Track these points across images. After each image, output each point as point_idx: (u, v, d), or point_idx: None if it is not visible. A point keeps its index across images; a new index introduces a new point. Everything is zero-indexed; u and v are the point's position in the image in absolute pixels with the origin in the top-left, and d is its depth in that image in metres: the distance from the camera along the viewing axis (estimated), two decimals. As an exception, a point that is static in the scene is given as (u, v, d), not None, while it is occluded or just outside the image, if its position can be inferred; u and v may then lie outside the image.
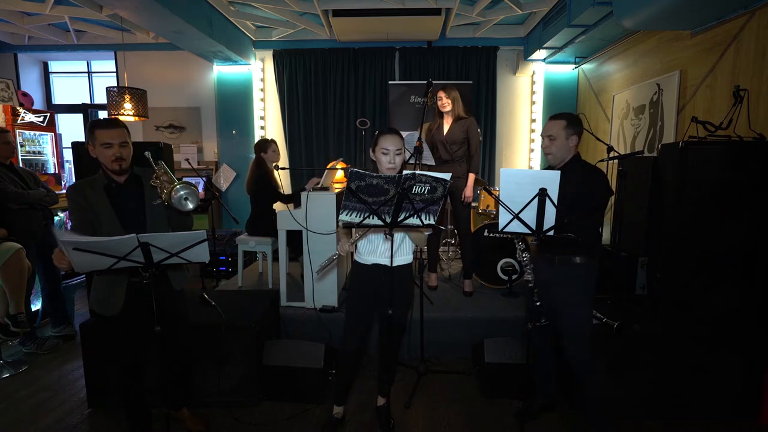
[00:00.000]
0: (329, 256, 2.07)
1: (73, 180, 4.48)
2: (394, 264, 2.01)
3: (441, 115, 3.30)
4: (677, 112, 3.42)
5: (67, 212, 1.84)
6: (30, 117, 4.83)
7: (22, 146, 4.71)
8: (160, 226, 1.94)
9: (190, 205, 1.79)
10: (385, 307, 1.95)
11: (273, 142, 3.71)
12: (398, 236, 2.04)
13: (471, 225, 3.60)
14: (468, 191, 3.24)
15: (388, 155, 1.91)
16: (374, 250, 2.04)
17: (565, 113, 2.03)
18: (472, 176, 3.25)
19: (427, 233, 2.02)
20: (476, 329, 3.01)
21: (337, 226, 2.19)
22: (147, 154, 1.93)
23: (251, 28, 5.17)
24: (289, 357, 2.54)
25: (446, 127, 3.26)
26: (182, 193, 1.76)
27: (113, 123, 1.87)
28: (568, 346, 2.04)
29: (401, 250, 2.06)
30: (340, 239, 2.01)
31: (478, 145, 3.27)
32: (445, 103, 3.21)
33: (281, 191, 3.68)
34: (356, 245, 2.05)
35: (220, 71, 5.47)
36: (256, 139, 5.48)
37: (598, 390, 2.02)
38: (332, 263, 2.07)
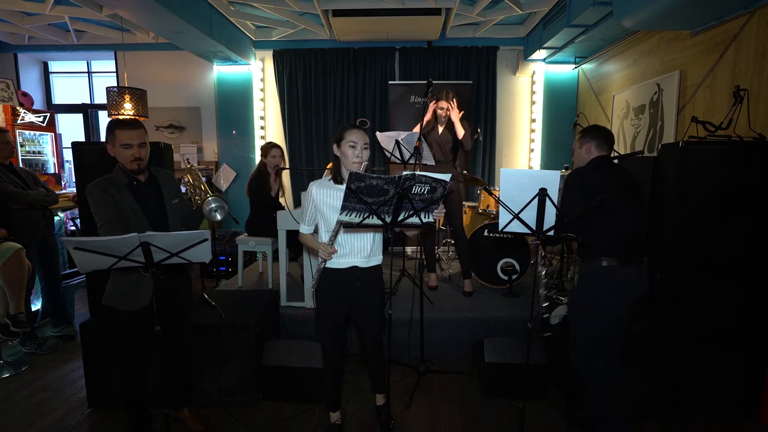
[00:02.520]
0: (317, 269, 1.98)
1: (74, 180, 4.48)
2: (368, 265, 1.99)
3: (435, 117, 3.34)
4: (677, 112, 3.43)
5: (92, 210, 1.85)
6: (30, 117, 4.83)
7: (22, 146, 4.71)
8: (177, 224, 1.99)
9: (218, 217, 1.91)
10: (363, 311, 1.96)
11: (275, 147, 3.70)
12: (371, 234, 1.99)
13: (464, 224, 3.59)
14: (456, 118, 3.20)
15: (356, 148, 1.84)
16: (350, 251, 1.95)
17: (587, 127, 2.15)
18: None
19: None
20: (476, 329, 3.01)
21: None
22: (187, 159, 1.99)
23: (251, 28, 5.17)
24: (289, 357, 2.54)
25: (440, 128, 3.30)
26: (213, 205, 1.89)
27: (133, 124, 1.90)
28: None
29: (374, 251, 2.01)
30: (317, 248, 1.92)
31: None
32: (445, 113, 3.25)
33: (274, 195, 3.70)
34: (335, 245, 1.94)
35: (220, 71, 5.47)
36: (256, 139, 5.52)
37: (597, 392, 2.00)
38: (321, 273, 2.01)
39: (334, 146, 1.92)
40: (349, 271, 1.97)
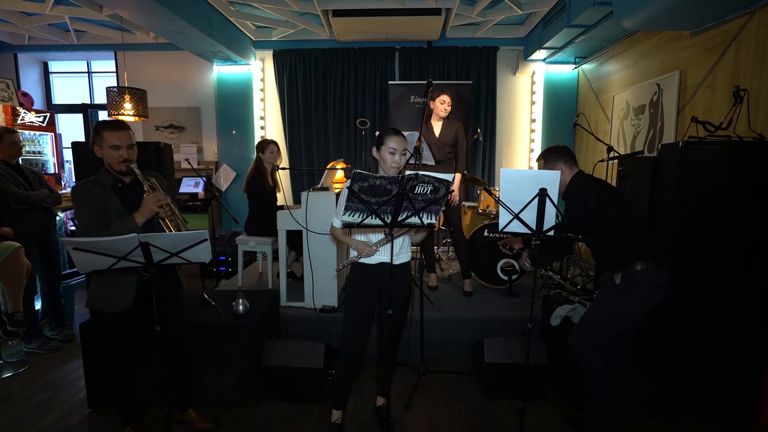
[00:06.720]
0: (352, 257, 2.03)
1: (73, 180, 4.48)
2: (399, 261, 2.05)
3: (429, 117, 3.33)
4: (677, 112, 3.43)
5: (74, 211, 1.85)
6: (30, 117, 4.83)
7: (22, 146, 4.70)
8: (160, 225, 1.97)
9: None
10: (388, 307, 1.96)
11: (272, 143, 3.69)
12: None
13: (462, 224, 3.59)
14: (456, 192, 3.24)
15: (395, 155, 1.93)
16: (382, 248, 2.01)
17: (543, 151, 2.15)
18: (458, 176, 3.26)
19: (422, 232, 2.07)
20: (476, 329, 3.01)
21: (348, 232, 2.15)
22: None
23: (251, 28, 5.17)
24: (289, 357, 2.54)
25: (437, 129, 3.29)
26: None
27: (121, 125, 1.92)
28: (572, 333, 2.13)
29: (404, 248, 2.07)
30: (350, 244, 2.00)
31: (465, 148, 3.30)
32: (447, 107, 3.25)
33: (273, 193, 3.69)
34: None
35: (220, 71, 5.47)
36: (256, 139, 5.50)
37: (596, 386, 2.04)
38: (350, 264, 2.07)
39: (374, 149, 2.00)
40: (377, 267, 2.01)
